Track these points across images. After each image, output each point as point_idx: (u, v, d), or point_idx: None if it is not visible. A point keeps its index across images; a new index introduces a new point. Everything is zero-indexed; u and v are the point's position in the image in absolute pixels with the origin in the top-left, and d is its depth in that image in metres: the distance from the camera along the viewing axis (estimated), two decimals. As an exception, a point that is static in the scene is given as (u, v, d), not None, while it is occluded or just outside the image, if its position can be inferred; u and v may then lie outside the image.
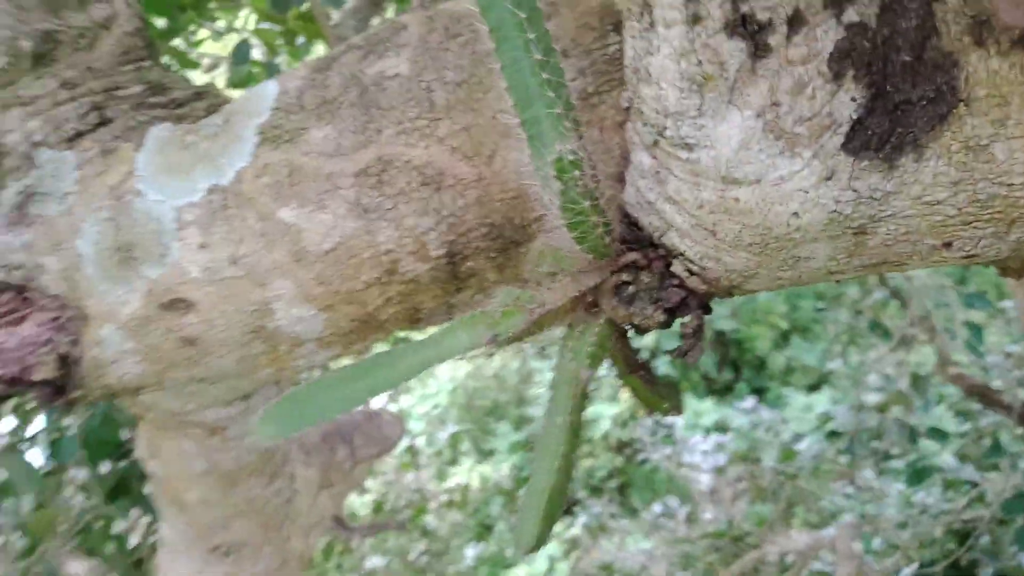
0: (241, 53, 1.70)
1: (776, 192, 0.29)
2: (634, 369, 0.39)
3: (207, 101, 0.65)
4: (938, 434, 3.49)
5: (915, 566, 3.42)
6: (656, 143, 0.32)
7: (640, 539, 3.92)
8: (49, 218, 0.59)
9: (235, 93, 0.86)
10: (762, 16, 0.27)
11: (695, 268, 0.34)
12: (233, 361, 0.62)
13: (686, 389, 5.65)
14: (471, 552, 4.59)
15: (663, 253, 0.35)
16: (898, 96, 0.28)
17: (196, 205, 0.56)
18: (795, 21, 0.27)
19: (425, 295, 0.58)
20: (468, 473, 4.88)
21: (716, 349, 5.62)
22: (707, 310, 0.36)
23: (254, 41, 1.85)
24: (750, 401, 4.56)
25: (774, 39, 0.28)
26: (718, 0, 0.27)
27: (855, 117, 0.28)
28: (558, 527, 4.51)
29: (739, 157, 0.29)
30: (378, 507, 3.99)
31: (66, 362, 0.59)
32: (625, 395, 5.46)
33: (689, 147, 0.30)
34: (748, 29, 0.27)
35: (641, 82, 0.31)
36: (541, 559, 4.46)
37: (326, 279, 0.56)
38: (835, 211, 0.29)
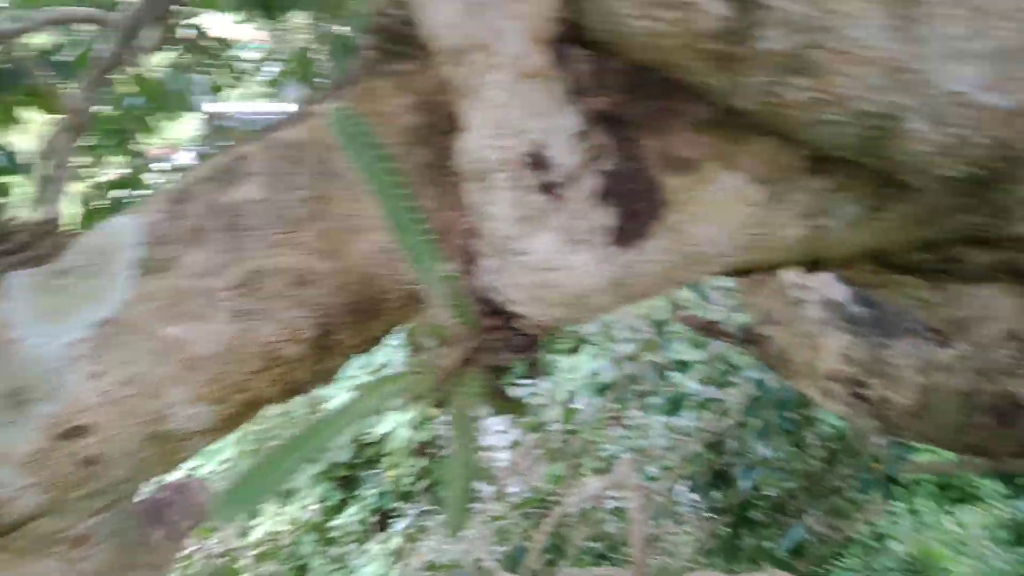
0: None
1: (576, 272, 0.49)
2: (498, 395, 0.57)
3: (51, 239, 0.70)
4: (682, 365, 4.15)
5: (687, 481, 4.04)
6: (498, 251, 0.50)
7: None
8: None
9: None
10: (555, 180, 0.46)
11: (533, 322, 0.53)
12: (128, 468, 0.69)
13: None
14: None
15: (510, 316, 0.53)
16: (633, 207, 0.49)
17: (85, 340, 0.63)
18: (572, 179, 0.47)
19: (299, 371, 0.70)
20: (273, 520, 4.76)
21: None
22: (540, 342, 0.55)
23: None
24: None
25: (564, 191, 0.47)
26: (530, 173, 0.45)
27: (613, 225, 0.49)
28: (376, 545, 4.59)
29: (551, 256, 0.48)
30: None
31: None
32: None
33: (521, 253, 0.49)
34: (549, 189, 0.46)
35: (483, 219, 0.49)
36: (366, 579, 4.51)
37: (216, 378, 0.66)
38: (611, 278, 0.49)
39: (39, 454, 0.64)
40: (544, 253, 0.48)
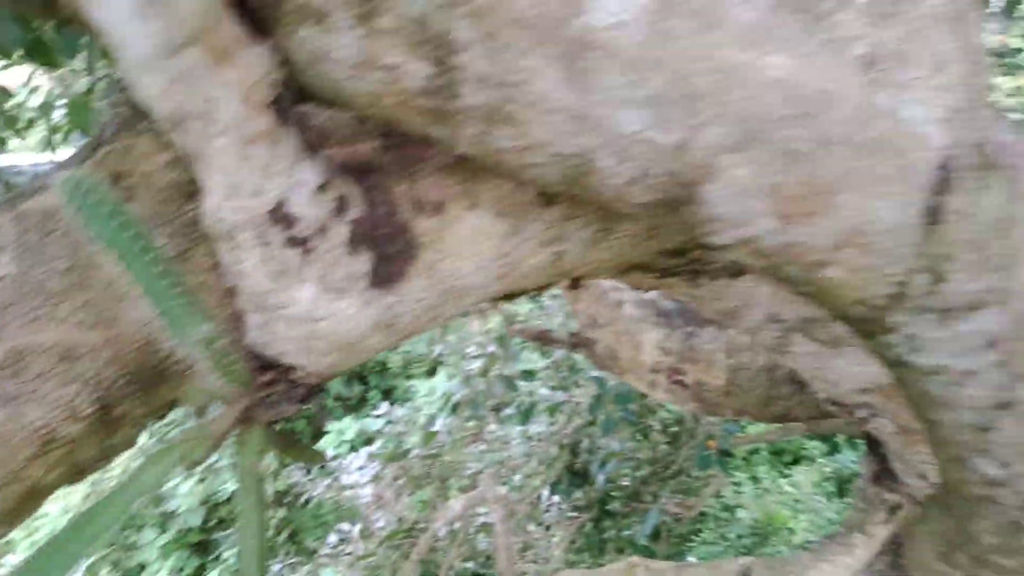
0: None
1: (341, 319, 0.51)
2: (287, 444, 0.57)
3: None
4: (529, 375, 4.26)
5: (548, 484, 4.14)
6: (260, 307, 0.51)
7: (329, 574, 4.01)
8: None
9: None
10: (303, 234, 0.48)
11: (308, 371, 0.54)
12: None
13: (331, 412, 5.82)
14: None
15: (285, 368, 0.54)
16: (388, 251, 0.51)
17: None
18: (322, 230, 0.48)
19: (84, 449, 0.67)
20: (123, 600, 4.34)
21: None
22: (321, 389, 0.56)
23: None
24: (383, 406, 4.92)
25: (314, 243, 0.48)
26: (276, 230, 0.47)
27: (369, 270, 0.51)
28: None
29: (313, 306, 0.50)
30: None
31: None
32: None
33: (282, 307, 0.50)
34: (298, 243, 0.48)
35: (239, 276, 0.50)
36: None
37: (-16, 471, 0.61)
38: (376, 320, 0.52)
39: None
40: (305, 304, 0.49)
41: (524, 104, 0.42)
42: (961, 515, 0.66)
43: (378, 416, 4.84)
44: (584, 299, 2.40)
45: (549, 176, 0.46)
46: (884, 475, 2.26)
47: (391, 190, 0.52)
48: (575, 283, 0.68)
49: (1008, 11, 3.03)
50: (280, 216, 0.46)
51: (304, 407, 0.55)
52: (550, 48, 0.39)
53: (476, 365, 4.40)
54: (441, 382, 5.71)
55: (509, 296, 0.63)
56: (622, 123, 0.41)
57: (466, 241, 0.53)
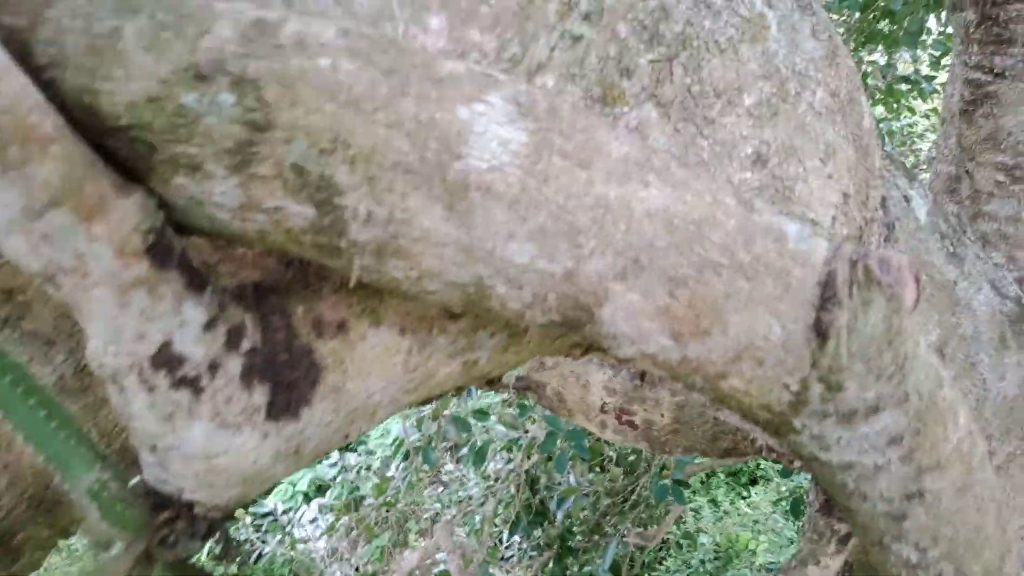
0: None
1: (239, 454, 0.49)
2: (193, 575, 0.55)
3: None
4: (481, 414, 4.23)
5: (508, 523, 4.10)
6: (154, 448, 0.49)
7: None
8: None
9: None
10: (192, 373, 0.46)
11: (209, 507, 0.52)
12: None
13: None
14: None
15: (185, 504, 0.52)
16: (287, 379, 0.50)
17: None
18: (213, 367, 0.47)
19: (-15, 581, 0.63)
20: None
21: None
22: (228, 518, 0.54)
23: None
24: (335, 454, 4.82)
25: (203, 382, 0.47)
26: (162, 373, 0.45)
27: (267, 401, 0.49)
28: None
29: (208, 444, 0.48)
30: None
31: None
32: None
33: (175, 448, 0.48)
34: (186, 383, 0.46)
35: (129, 419, 0.48)
36: None
37: None
38: (276, 451, 0.50)
39: None
40: (200, 443, 0.47)
41: (412, 239, 0.41)
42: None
43: (331, 465, 4.74)
44: (529, 344, 2.39)
45: (449, 300, 0.45)
46: (833, 505, 2.30)
47: (291, 312, 0.51)
48: (490, 383, 0.67)
49: (913, 40, 3.19)
50: (165, 359, 0.44)
51: (206, 542, 0.52)
52: (433, 189, 0.39)
53: (427, 408, 4.35)
54: (393, 425, 5.64)
55: (421, 403, 0.62)
56: (511, 255, 0.41)
57: (372, 360, 0.52)
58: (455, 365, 0.55)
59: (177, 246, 0.44)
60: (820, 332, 0.43)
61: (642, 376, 2.20)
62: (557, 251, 0.40)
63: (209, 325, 0.46)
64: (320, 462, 5.47)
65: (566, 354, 0.76)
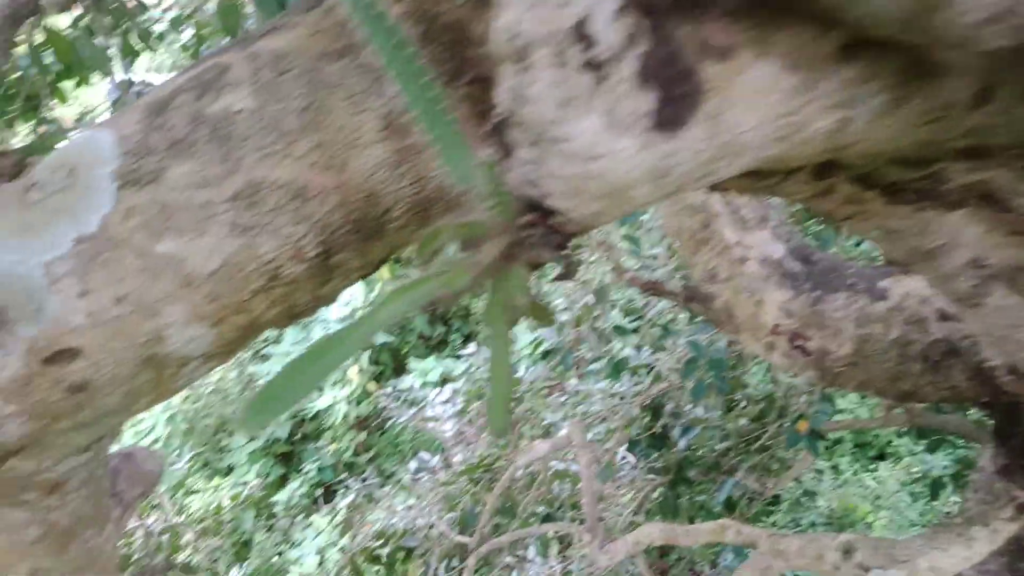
0: None
1: (616, 160, 0.48)
2: (529, 299, 0.56)
3: (10, 159, 0.65)
4: (620, 331, 4.22)
5: (625, 443, 4.12)
6: (536, 142, 0.49)
7: (406, 498, 4.14)
8: None
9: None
10: (600, 57, 0.45)
11: (568, 217, 0.52)
12: (120, 397, 0.65)
13: (405, 353, 5.96)
14: (236, 574, 4.41)
15: (545, 211, 0.52)
16: (673, 92, 0.48)
17: (65, 257, 0.58)
18: (616, 58, 0.46)
19: (301, 292, 0.68)
20: (213, 495, 4.62)
21: (425, 308, 5.99)
22: (580, 233, 0.54)
23: None
24: (471, 347, 4.99)
25: (607, 70, 0.46)
26: (577, 48, 0.44)
27: (654, 109, 0.48)
28: (321, 518, 4.52)
29: (594, 142, 0.47)
30: (125, 563, 3.64)
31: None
32: (354, 375, 5.60)
33: (561, 141, 0.48)
34: (593, 66, 0.45)
35: (522, 103, 0.48)
36: (310, 555, 4.45)
37: (216, 296, 0.63)
38: (652, 166, 0.49)
39: (22, 379, 0.59)
40: (587, 139, 0.47)
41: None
42: None
43: (465, 356, 4.92)
44: (704, 251, 2.32)
45: (886, 11, 0.41)
46: (1020, 470, 2.12)
47: (674, 31, 0.49)
48: (821, 173, 0.64)
49: None
50: (582, 34, 0.43)
51: (562, 253, 0.53)
52: None
53: (567, 316, 4.39)
54: (523, 329, 5.72)
55: (767, 171, 0.59)
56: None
57: (752, 92, 0.49)
58: (830, 120, 0.52)
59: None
60: None
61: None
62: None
63: (620, 12, 0.45)
64: (450, 356, 5.69)
65: (876, 183, 0.71)
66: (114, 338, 0.61)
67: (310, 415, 5.21)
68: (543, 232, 0.51)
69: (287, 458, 5.30)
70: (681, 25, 0.49)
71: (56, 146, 0.63)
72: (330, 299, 0.71)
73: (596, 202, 0.50)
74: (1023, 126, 0.57)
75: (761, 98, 0.50)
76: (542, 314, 0.56)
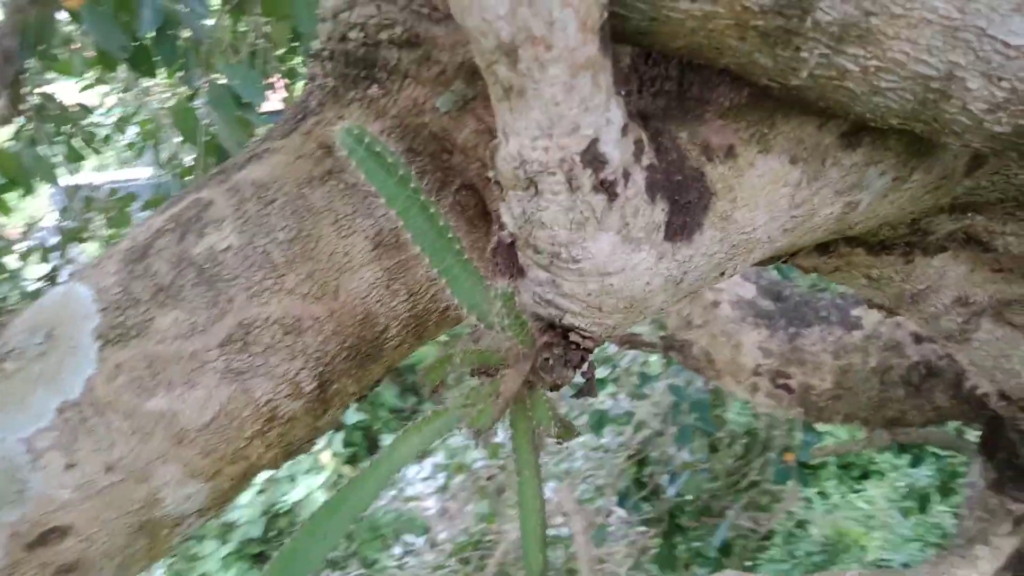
0: None
1: (634, 274, 0.47)
2: (555, 418, 0.53)
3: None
4: (600, 383, 4.19)
5: (615, 499, 4.05)
6: (551, 263, 0.47)
7: (396, 587, 3.97)
8: None
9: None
10: (611, 177, 0.44)
11: (587, 334, 0.50)
12: (112, 570, 0.59)
13: (378, 429, 5.81)
14: None
15: (563, 330, 0.50)
16: (682, 200, 0.47)
17: (48, 429, 0.54)
18: (625, 175, 0.45)
19: (299, 428, 0.64)
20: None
21: (393, 381, 5.88)
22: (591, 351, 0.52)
23: None
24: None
25: (618, 189, 0.45)
26: (588, 172, 0.43)
27: (665, 220, 0.47)
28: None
29: (609, 259, 0.46)
30: None
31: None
32: (327, 460, 5.42)
33: (577, 261, 0.46)
34: (605, 187, 0.44)
35: (534, 227, 0.46)
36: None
37: (211, 449, 0.59)
38: (668, 276, 0.48)
39: (4, 572, 0.54)
40: (603, 256, 0.45)
41: (890, 16, 0.37)
42: None
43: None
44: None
45: (891, 105, 0.41)
46: (1010, 483, 2.13)
47: (674, 139, 0.48)
48: (791, 257, 0.64)
49: None
50: (592, 156, 0.42)
51: (579, 372, 0.51)
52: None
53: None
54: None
55: (777, 257, 0.59)
56: (1006, 34, 0.37)
57: (760, 189, 0.49)
58: (838, 205, 0.52)
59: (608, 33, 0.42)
60: None
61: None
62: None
63: (624, 129, 0.44)
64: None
65: (864, 242, 0.71)
66: (106, 509, 0.56)
67: (284, 508, 5.00)
68: (561, 351, 0.49)
69: (263, 559, 5.07)
70: (679, 131, 0.48)
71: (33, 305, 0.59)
72: (327, 429, 0.68)
73: (614, 315, 0.48)
74: (1012, 184, 0.58)
75: (770, 193, 0.49)
76: (569, 433, 0.54)
